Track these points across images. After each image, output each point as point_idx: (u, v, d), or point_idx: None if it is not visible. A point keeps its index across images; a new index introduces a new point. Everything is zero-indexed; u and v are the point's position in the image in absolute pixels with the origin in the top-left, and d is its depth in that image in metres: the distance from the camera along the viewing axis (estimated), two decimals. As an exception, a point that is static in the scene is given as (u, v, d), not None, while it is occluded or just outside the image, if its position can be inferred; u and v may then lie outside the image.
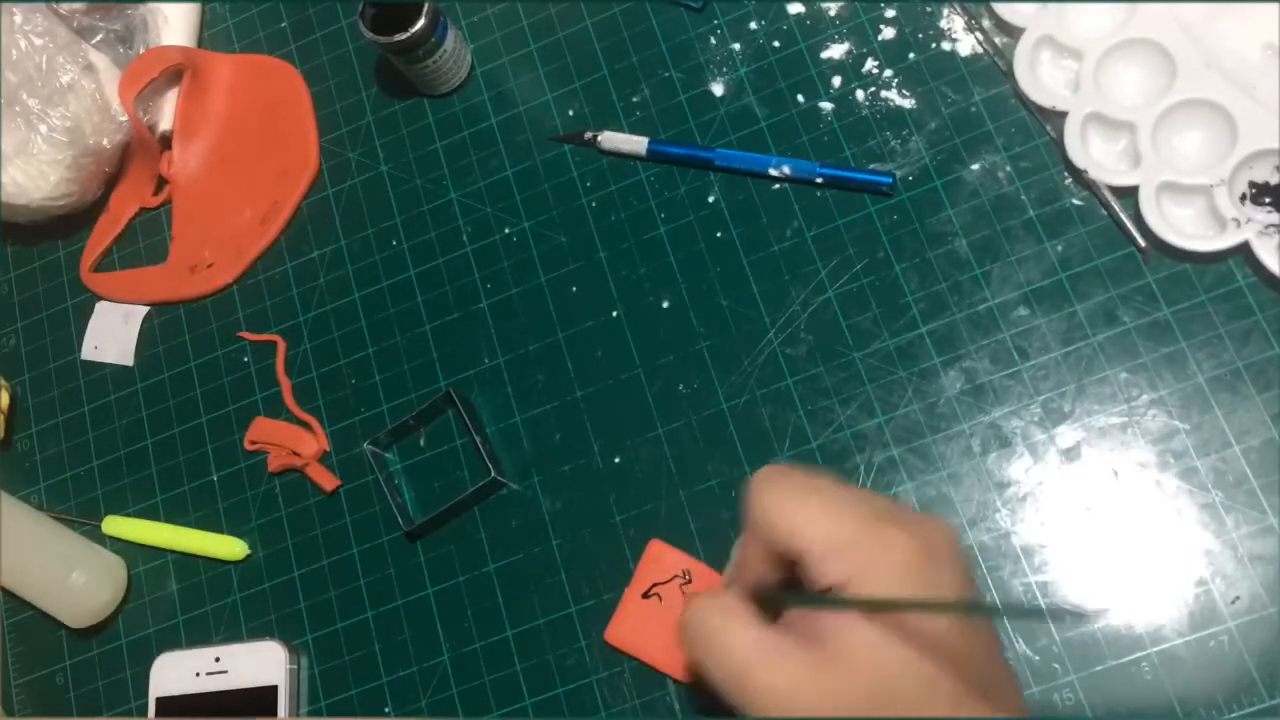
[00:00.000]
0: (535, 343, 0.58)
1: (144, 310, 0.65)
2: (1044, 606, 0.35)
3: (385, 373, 0.60)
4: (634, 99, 0.60)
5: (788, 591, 0.40)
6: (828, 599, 0.37)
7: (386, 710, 0.55)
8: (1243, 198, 0.50)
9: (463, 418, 0.57)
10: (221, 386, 0.62)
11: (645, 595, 0.52)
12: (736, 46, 0.60)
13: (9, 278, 0.69)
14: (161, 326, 0.65)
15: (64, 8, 0.66)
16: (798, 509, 0.38)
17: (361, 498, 0.58)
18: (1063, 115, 0.53)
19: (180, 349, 0.64)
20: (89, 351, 0.65)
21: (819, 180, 0.56)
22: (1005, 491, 0.51)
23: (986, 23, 0.56)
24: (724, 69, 0.59)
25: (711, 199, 0.58)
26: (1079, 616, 0.33)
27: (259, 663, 0.56)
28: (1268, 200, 0.50)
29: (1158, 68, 0.53)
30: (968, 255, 0.54)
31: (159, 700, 0.57)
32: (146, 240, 0.67)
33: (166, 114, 0.67)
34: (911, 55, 0.57)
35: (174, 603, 0.60)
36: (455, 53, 0.61)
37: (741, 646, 0.37)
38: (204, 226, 0.66)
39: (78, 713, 0.59)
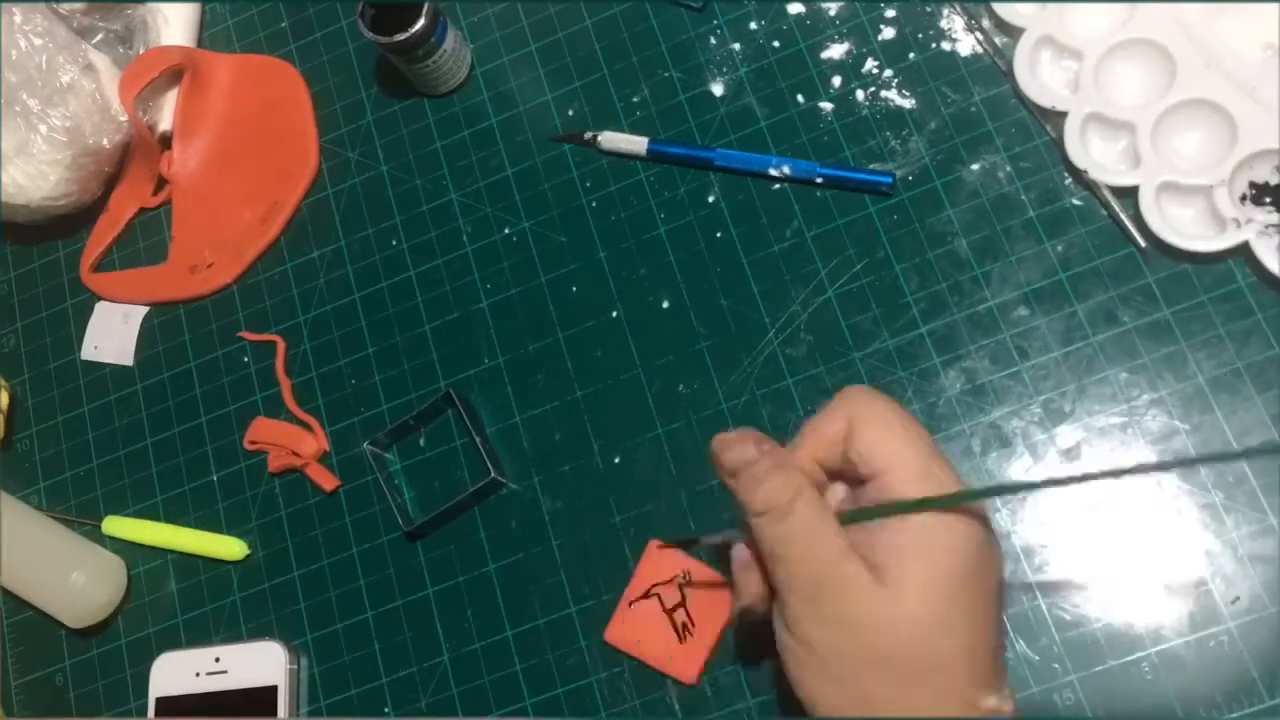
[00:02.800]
0: (535, 343, 0.58)
1: (144, 310, 0.65)
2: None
3: (385, 373, 0.60)
4: (634, 99, 0.60)
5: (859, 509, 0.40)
6: (903, 504, 0.38)
7: (386, 710, 0.55)
8: (1243, 198, 0.50)
9: (463, 418, 0.57)
10: (221, 386, 0.62)
11: (645, 595, 0.52)
12: (736, 46, 0.60)
13: (9, 278, 0.69)
14: (161, 326, 0.65)
15: (64, 8, 0.66)
16: (900, 437, 0.39)
17: (361, 498, 0.58)
18: (1063, 115, 0.53)
19: (180, 349, 0.64)
20: (89, 351, 0.65)
21: (819, 180, 0.56)
22: (1005, 491, 0.51)
23: (986, 23, 0.56)
24: (724, 69, 0.59)
25: (711, 199, 0.58)
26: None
27: (259, 663, 0.56)
28: (1268, 200, 0.50)
29: (1158, 68, 0.53)
30: (968, 255, 0.54)
31: (159, 700, 0.57)
32: (146, 240, 0.67)
33: (166, 114, 0.67)
34: (911, 55, 0.57)
35: (174, 603, 0.60)
36: (455, 53, 0.61)
37: (831, 541, 0.38)
38: (204, 226, 0.66)
39: (78, 713, 0.59)
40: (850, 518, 0.39)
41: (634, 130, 0.60)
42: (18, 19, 0.62)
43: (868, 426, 0.39)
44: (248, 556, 0.59)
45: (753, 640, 0.50)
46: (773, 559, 0.38)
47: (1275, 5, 0.52)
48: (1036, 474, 0.51)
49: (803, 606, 0.38)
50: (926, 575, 0.37)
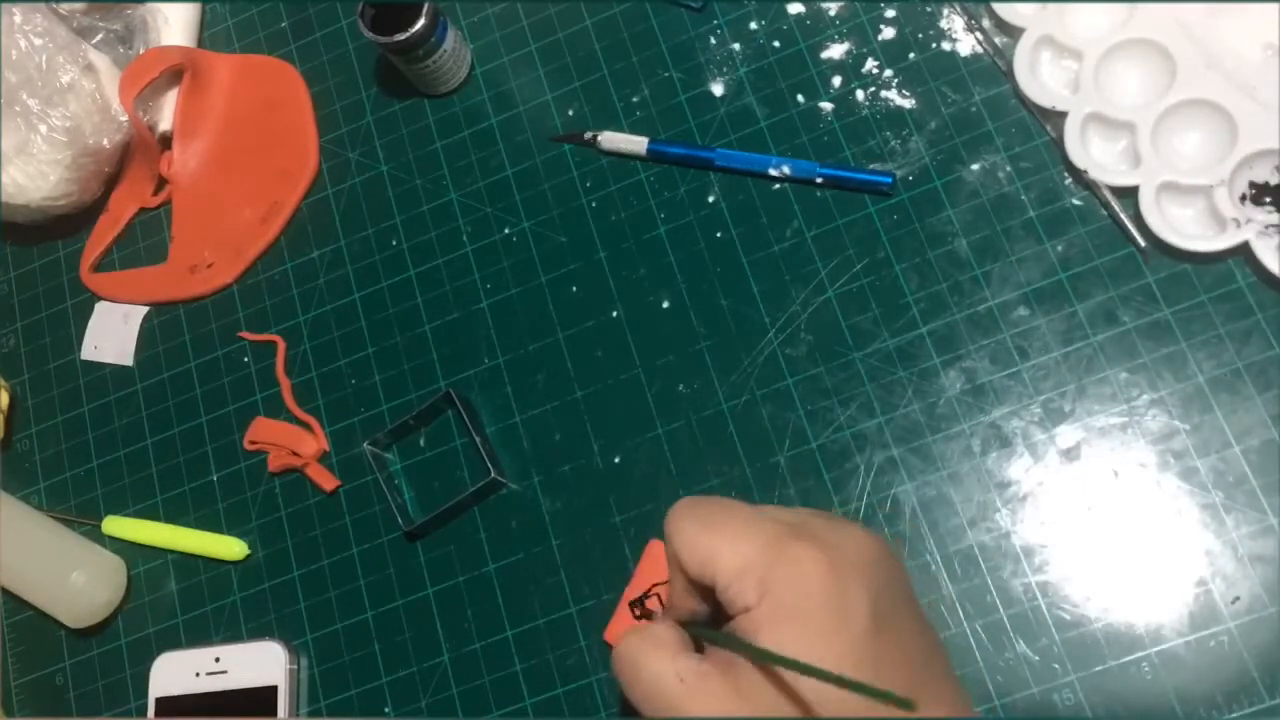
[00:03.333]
0: (535, 343, 0.58)
1: (144, 310, 0.65)
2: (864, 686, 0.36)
3: (385, 373, 0.60)
4: (634, 99, 0.60)
5: (699, 626, 0.41)
6: (727, 638, 0.37)
7: (386, 710, 0.55)
8: (1243, 198, 0.50)
9: (463, 418, 0.57)
10: (221, 386, 0.62)
11: (645, 595, 0.52)
12: (736, 46, 0.60)
13: (9, 278, 0.69)
14: (161, 326, 0.65)
15: (64, 8, 0.66)
16: (706, 538, 0.38)
17: (361, 498, 0.58)
18: (1063, 115, 0.53)
19: (180, 349, 0.64)
20: (89, 351, 0.65)
21: (819, 180, 0.56)
22: (1005, 491, 0.51)
23: (986, 23, 0.56)
24: (724, 69, 0.59)
25: (711, 199, 0.58)
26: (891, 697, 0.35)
27: (259, 663, 0.56)
28: (1268, 200, 0.50)
29: (1158, 68, 0.53)
30: (968, 255, 0.54)
31: (159, 700, 0.57)
32: (146, 240, 0.67)
33: (166, 114, 0.67)
34: (911, 55, 0.57)
35: (174, 603, 0.60)
36: (455, 53, 0.61)
37: (668, 677, 0.38)
38: (204, 226, 0.66)
39: (78, 713, 0.59)
40: (693, 632, 0.40)
41: (634, 130, 0.60)
42: (18, 19, 0.62)
43: (682, 547, 0.39)
44: (248, 556, 0.59)
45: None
46: (635, 704, 0.39)
47: (1275, 5, 0.52)
48: (1036, 474, 0.51)
49: None
50: (769, 669, 0.36)
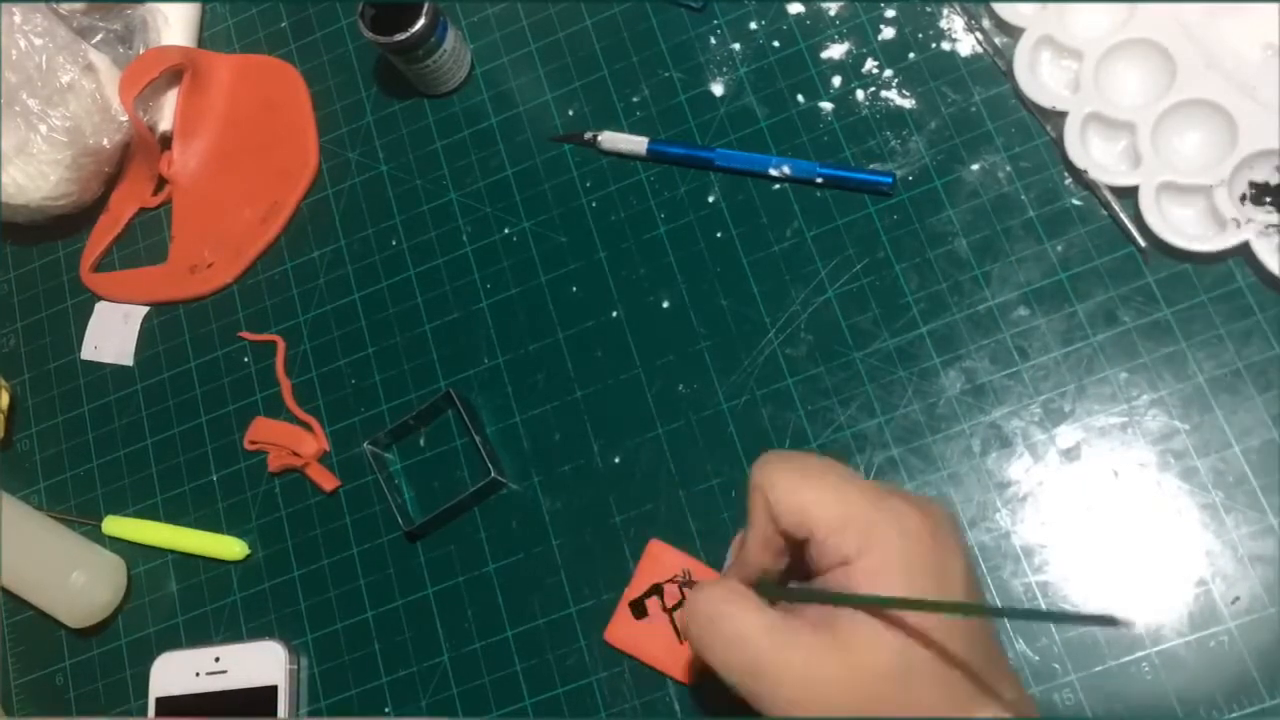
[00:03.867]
0: (535, 343, 0.58)
1: (144, 310, 0.65)
2: (1055, 609, 0.35)
3: (385, 373, 0.60)
4: (634, 99, 0.60)
5: (788, 585, 0.40)
6: (827, 594, 0.36)
7: (386, 710, 0.55)
8: (1243, 198, 0.50)
9: (463, 418, 0.57)
10: (221, 386, 0.62)
11: (645, 595, 0.52)
12: (736, 46, 0.60)
13: (9, 278, 0.69)
14: (161, 326, 0.65)
15: (64, 8, 0.66)
16: (807, 487, 0.38)
17: (361, 498, 0.58)
18: (1062, 115, 0.53)
19: (180, 349, 0.64)
20: (89, 351, 0.65)
21: (819, 180, 0.56)
22: (1005, 491, 0.51)
23: (986, 23, 0.56)
24: (724, 69, 0.59)
25: (711, 199, 0.58)
26: (1100, 620, 0.33)
27: (259, 663, 0.56)
28: (1268, 200, 0.50)
29: (1158, 68, 0.53)
30: (968, 255, 0.54)
31: (159, 700, 0.57)
32: (146, 240, 0.67)
33: (166, 114, 0.67)
34: (911, 55, 0.57)
35: (174, 603, 0.60)
36: (455, 53, 0.61)
37: (754, 629, 0.36)
38: (204, 226, 0.66)
39: (78, 713, 0.59)
40: (769, 591, 0.39)
41: (634, 130, 0.60)
42: (18, 19, 0.62)
43: (778, 496, 0.38)
44: (248, 556, 0.59)
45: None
46: (712, 662, 0.38)
47: (1275, 5, 0.52)
48: (1036, 474, 0.51)
49: (754, 688, 0.37)
50: (868, 621, 0.35)
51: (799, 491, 0.38)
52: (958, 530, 0.38)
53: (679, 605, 0.52)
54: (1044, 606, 0.49)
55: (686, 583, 0.52)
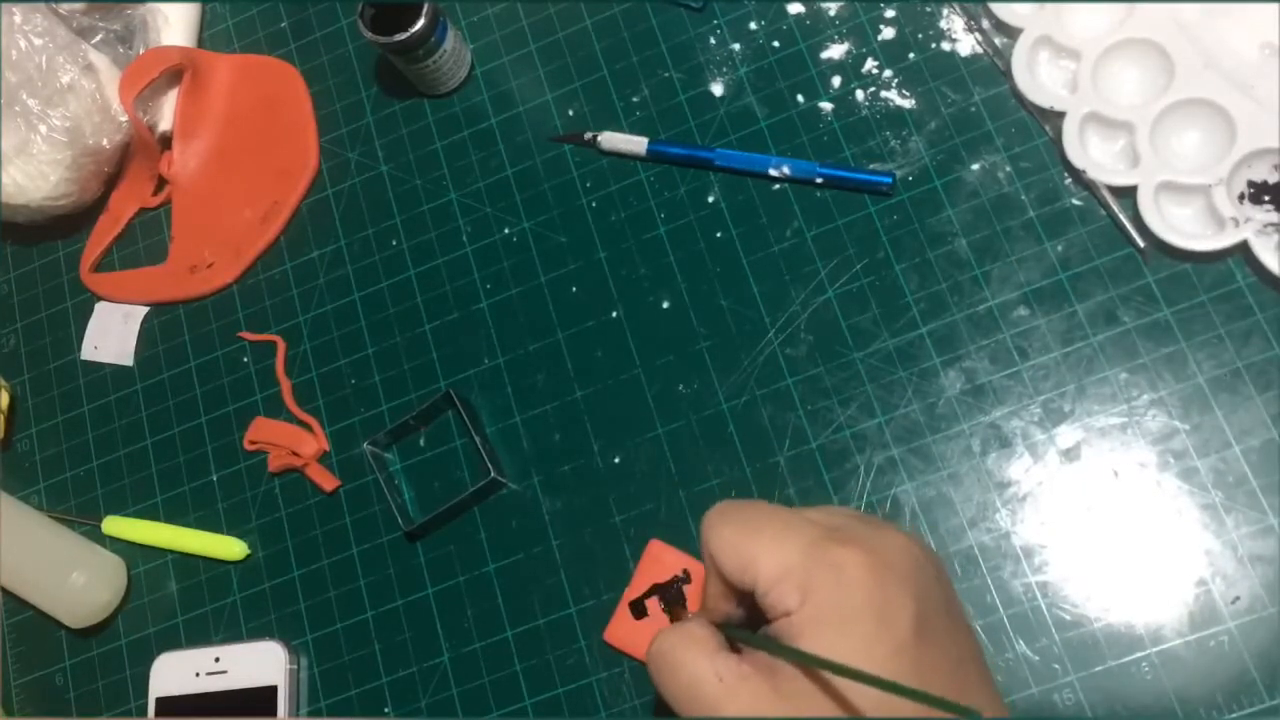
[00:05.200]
0: (535, 343, 0.58)
1: (144, 310, 0.65)
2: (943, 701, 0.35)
3: (385, 373, 0.60)
4: (634, 99, 0.60)
5: (737, 629, 0.40)
6: (768, 641, 0.37)
7: (386, 710, 0.55)
8: (1241, 197, 0.51)
9: (463, 418, 0.57)
10: (221, 386, 0.62)
11: (645, 595, 0.52)
12: (736, 46, 0.60)
13: (9, 278, 0.69)
14: (161, 326, 0.65)
15: (64, 8, 0.66)
16: (745, 542, 0.38)
17: (361, 498, 0.58)
18: (1061, 115, 0.53)
19: (180, 349, 0.64)
20: (89, 351, 0.65)
21: (819, 180, 0.56)
22: (1005, 491, 0.51)
23: (985, 23, 0.56)
24: (724, 69, 0.59)
25: (711, 199, 0.58)
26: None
27: (259, 663, 0.56)
28: (1266, 199, 0.50)
29: (1156, 67, 0.53)
30: (968, 255, 0.54)
31: (159, 700, 0.57)
32: (146, 240, 0.67)
33: (166, 114, 0.67)
34: (911, 55, 0.57)
35: (174, 603, 0.60)
36: (455, 53, 0.61)
37: (705, 674, 0.37)
38: (204, 226, 0.66)
39: (78, 713, 0.59)
40: (731, 633, 0.39)
41: (634, 130, 0.60)
42: (18, 19, 0.62)
43: (721, 553, 0.39)
44: (248, 556, 0.59)
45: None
46: (669, 703, 0.39)
47: (1273, 5, 0.52)
48: (1036, 474, 0.51)
49: None
50: (809, 673, 0.35)
51: (740, 547, 0.38)
52: (921, 566, 0.38)
53: (679, 605, 0.52)
54: (1044, 606, 0.49)
55: (685, 581, 0.52)
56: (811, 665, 0.35)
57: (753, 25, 0.60)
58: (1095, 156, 0.53)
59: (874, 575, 0.36)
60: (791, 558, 0.37)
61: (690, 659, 0.38)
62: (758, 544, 0.38)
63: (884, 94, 0.57)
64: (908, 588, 0.36)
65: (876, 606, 0.36)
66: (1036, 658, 0.48)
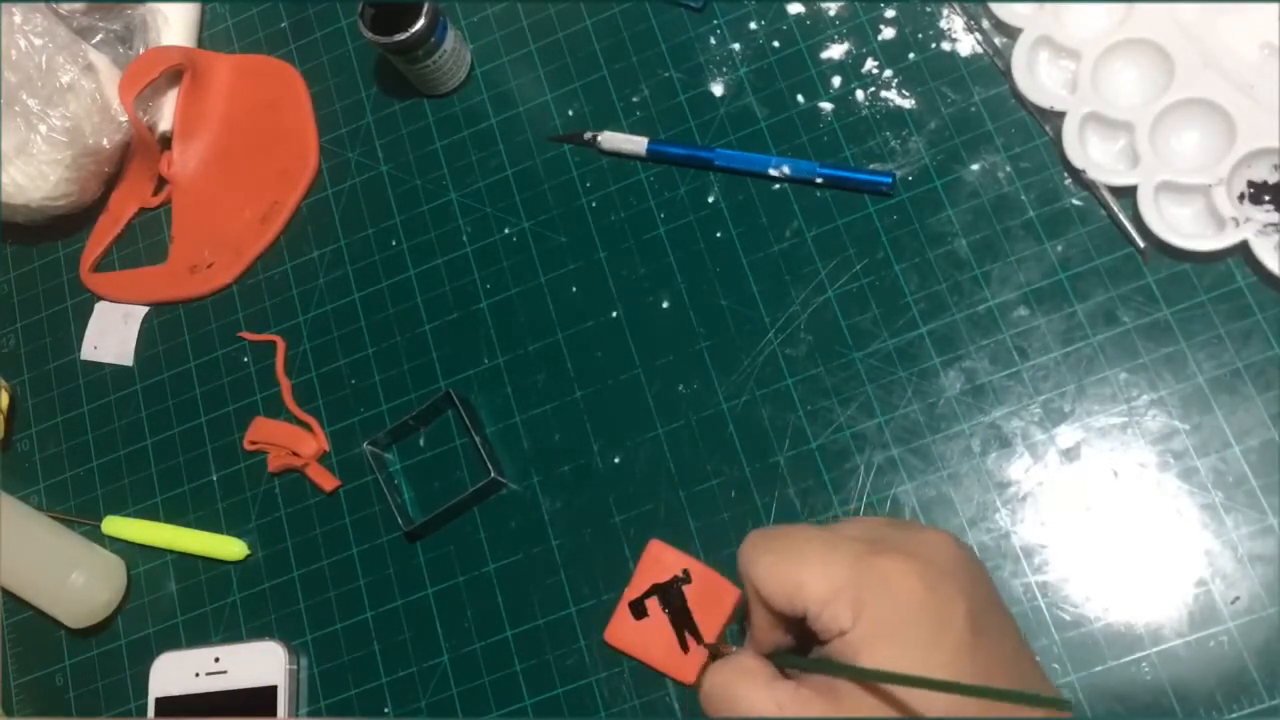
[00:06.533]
0: (535, 343, 0.58)
1: (144, 310, 0.65)
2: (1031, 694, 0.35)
3: (385, 373, 0.60)
4: (634, 99, 0.60)
5: (790, 654, 0.40)
6: (827, 663, 0.37)
7: (386, 710, 0.55)
8: (1241, 197, 0.51)
9: (462, 418, 0.57)
10: (221, 386, 0.62)
11: (645, 595, 0.52)
12: (736, 46, 0.60)
13: (9, 278, 0.69)
14: (161, 326, 0.65)
15: (64, 8, 0.66)
16: (789, 568, 0.38)
17: (361, 498, 0.58)
18: (1061, 115, 0.53)
19: (180, 349, 0.64)
20: (89, 351, 0.65)
21: (819, 180, 0.56)
22: (1005, 491, 0.51)
23: (985, 23, 0.56)
24: (724, 69, 0.59)
25: (711, 199, 0.58)
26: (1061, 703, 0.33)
27: (259, 663, 0.56)
28: (1266, 199, 0.50)
29: (1155, 67, 0.53)
30: (968, 255, 0.54)
31: (158, 700, 0.57)
32: (146, 240, 0.67)
33: (166, 114, 0.67)
34: (911, 55, 0.57)
35: (174, 603, 0.60)
36: (455, 53, 0.61)
37: (766, 706, 0.37)
38: (204, 226, 0.66)
39: (77, 713, 0.59)
40: (783, 661, 0.39)
41: (634, 130, 0.60)
42: (18, 19, 0.62)
43: (764, 583, 0.39)
44: (247, 556, 0.59)
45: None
46: None
47: (1273, 4, 0.52)
48: (1036, 474, 0.51)
49: None
50: (869, 692, 0.35)
51: (784, 574, 0.38)
52: (963, 562, 0.38)
53: (679, 605, 0.52)
54: (1044, 606, 0.49)
55: (685, 581, 0.52)
56: (871, 680, 0.35)
57: (753, 25, 0.60)
58: (1095, 156, 0.53)
59: (923, 581, 0.36)
60: (838, 577, 0.37)
61: (747, 692, 0.38)
62: (802, 569, 0.37)
63: (884, 94, 0.57)
64: (957, 586, 0.37)
65: (931, 611, 0.36)
66: (1037, 658, 0.48)
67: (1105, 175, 0.52)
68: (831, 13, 0.59)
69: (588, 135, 0.60)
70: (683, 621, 0.51)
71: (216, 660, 0.56)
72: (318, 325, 0.62)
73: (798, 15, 0.59)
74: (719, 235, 0.57)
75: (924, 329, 0.53)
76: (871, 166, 0.56)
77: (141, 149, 0.66)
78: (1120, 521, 0.49)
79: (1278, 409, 0.49)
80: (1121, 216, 0.52)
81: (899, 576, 0.36)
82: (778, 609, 0.38)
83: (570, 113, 0.61)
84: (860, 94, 0.57)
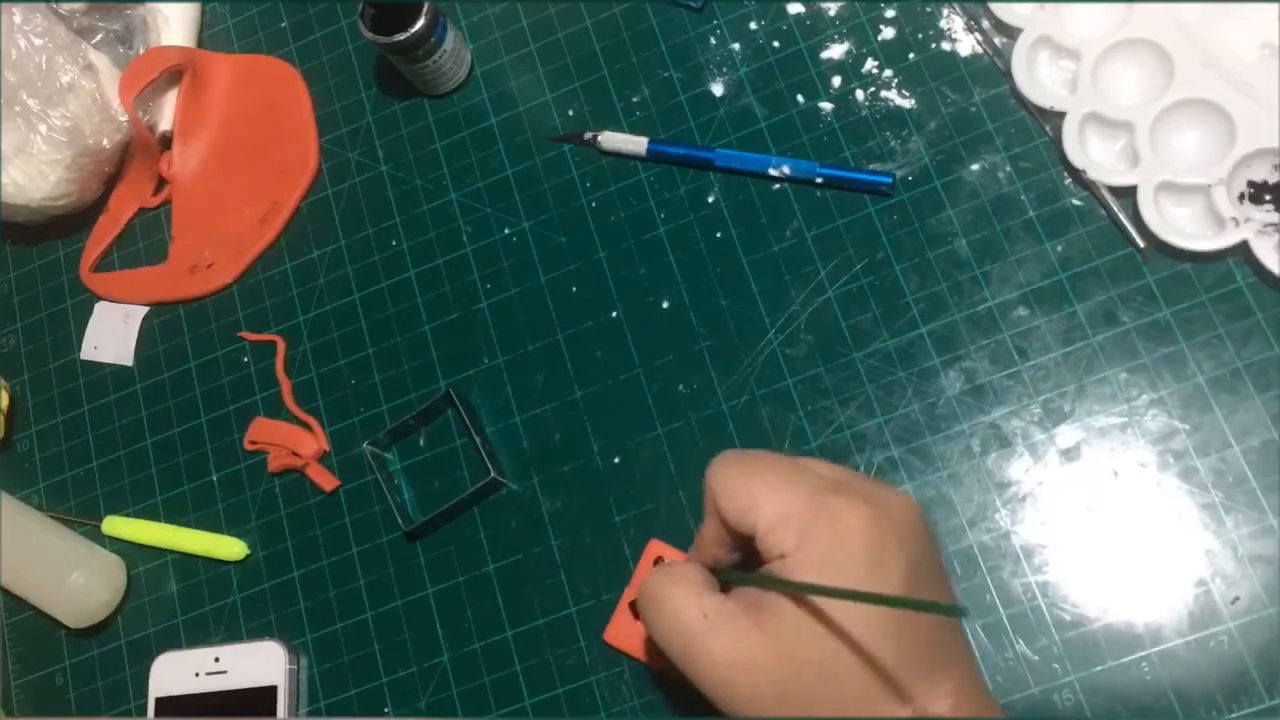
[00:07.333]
0: (535, 343, 0.58)
1: (144, 310, 0.65)
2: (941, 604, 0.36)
3: (385, 373, 0.60)
4: (634, 99, 0.60)
5: (730, 570, 0.41)
6: (757, 577, 0.38)
7: (386, 710, 0.55)
8: (1241, 197, 0.51)
9: (462, 418, 0.57)
10: (221, 386, 0.62)
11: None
12: (736, 46, 0.60)
13: (9, 278, 0.69)
14: (161, 326, 0.65)
15: (64, 8, 0.66)
16: (749, 486, 0.39)
17: (361, 498, 0.58)
18: (1061, 115, 0.53)
19: (180, 349, 0.64)
20: (89, 351, 0.65)
21: (819, 180, 0.56)
22: (1005, 491, 0.51)
23: (985, 23, 0.56)
24: (724, 69, 0.59)
25: (711, 199, 0.58)
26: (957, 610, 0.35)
27: (259, 663, 0.56)
28: (1266, 199, 0.50)
29: (1155, 67, 0.53)
30: (968, 255, 0.54)
31: (158, 700, 0.57)
32: (146, 240, 0.67)
33: (166, 114, 0.67)
34: (911, 55, 0.57)
35: (174, 603, 0.60)
36: (455, 53, 0.61)
37: (691, 611, 0.39)
38: (204, 226, 0.66)
39: (77, 713, 0.59)
40: (724, 576, 0.41)
41: (634, 130, 0.60)
42: (18, 19, 0.62)
43: (723, 496, 0.40)
44: (247, 556, 0.59)
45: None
46: (657, 640, 0.40)
47: (1273, 5, 0.52)
48: (1036, 474, 0.51)
49: (689, 668, 0.39)
50: (794, 610, 0.37)
51: (742, 491, 0.39)
52: (917, 529, 0.38)
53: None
54: (1044, 606, 0.49)
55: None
56: (794, 591, 0.36)
57: (753, 25, 0.60)
58: (1095, 156, 0.53)
59: (872, 529, 0.37)
60: (793, 504, 0.38)
61: (676, 595, 0.39)
62: (761, 489, 0.39)
63: (884, 94, 0.57)
64: (903, 546, 0.37)
65: (872, 555, 0.37)
66: (1036, 658, 0.48)
67: (1105, 175, 0.52)
68: (831, 13, 0.59)
69: (588, 135, 0.60)
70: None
71: (216, 660, 0.56)
72: (318, 325, 0.62)
73: (798, 15, 0.59)
74: (719, 235, 0.57)
75: (924, 329, 0.53)
76: (871, 166, 0.56)
77: (141, 149, 0.66)
78: (1120, 521, 0.49)
79: (1278, 409, 0.49)
80: (1121, 216, 0.52)
81: (850, 517, 0.37)
82: (730, 524, 0.40)
83: (570, 113, 0.61)
84: (860, 94, 0.57)
